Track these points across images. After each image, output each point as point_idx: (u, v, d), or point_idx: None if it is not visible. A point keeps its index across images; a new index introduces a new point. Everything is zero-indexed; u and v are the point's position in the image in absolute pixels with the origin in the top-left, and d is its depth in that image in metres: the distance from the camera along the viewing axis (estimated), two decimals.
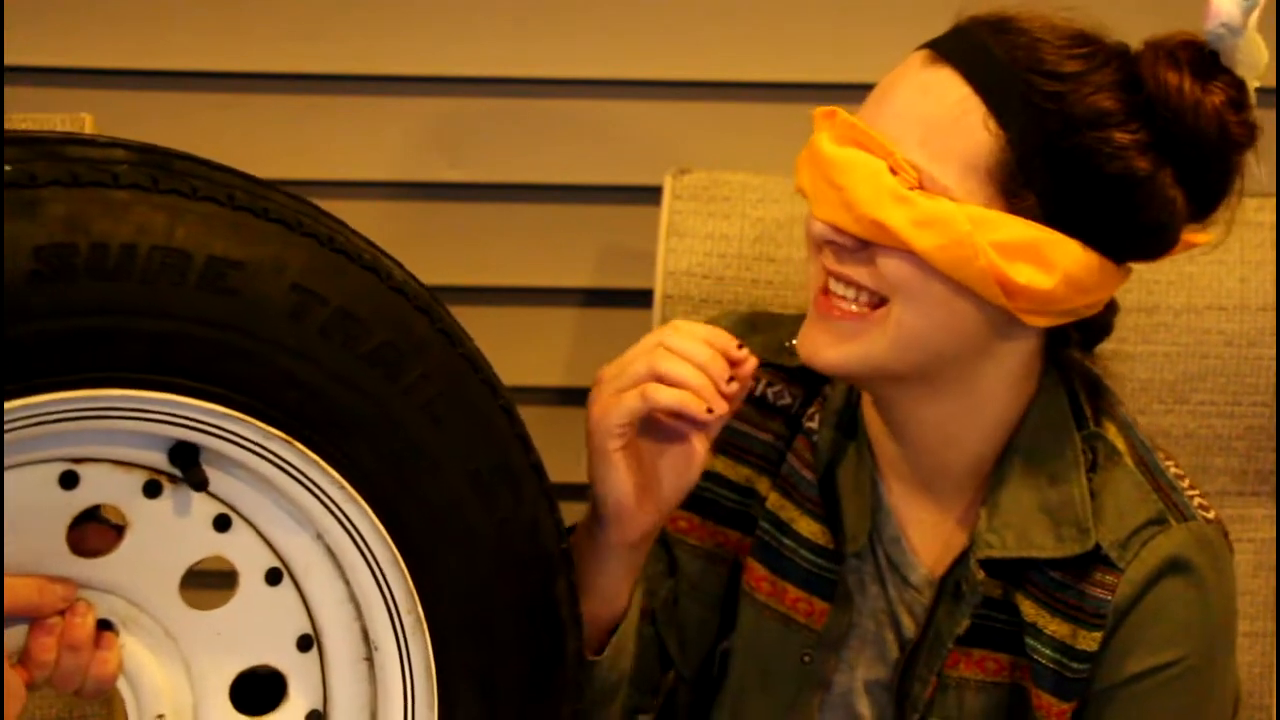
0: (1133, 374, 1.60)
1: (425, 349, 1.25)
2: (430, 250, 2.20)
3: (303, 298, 1.19)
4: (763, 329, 1.66)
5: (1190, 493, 1.54)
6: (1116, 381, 1.61)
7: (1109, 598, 1.49)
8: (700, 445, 1.47)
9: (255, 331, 1.18)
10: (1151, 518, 1.51)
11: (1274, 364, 1.94)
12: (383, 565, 1.29)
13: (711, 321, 1.69)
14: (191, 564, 1.28)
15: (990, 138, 1.42)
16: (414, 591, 1.29)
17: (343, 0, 2.14)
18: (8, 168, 1.11)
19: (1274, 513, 1.98)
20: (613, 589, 1.51)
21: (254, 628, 1.31)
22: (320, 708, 1.34)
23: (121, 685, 1.29)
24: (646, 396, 1.42)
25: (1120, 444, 1.55)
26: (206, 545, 1.28)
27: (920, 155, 1.42)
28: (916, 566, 1.58)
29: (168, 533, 1.26)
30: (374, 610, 1.31)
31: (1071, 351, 1.58)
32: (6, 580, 1.20)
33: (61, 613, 1.23)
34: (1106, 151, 1.42)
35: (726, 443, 1.64)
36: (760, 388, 1.64)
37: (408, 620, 1.30)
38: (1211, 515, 1.54)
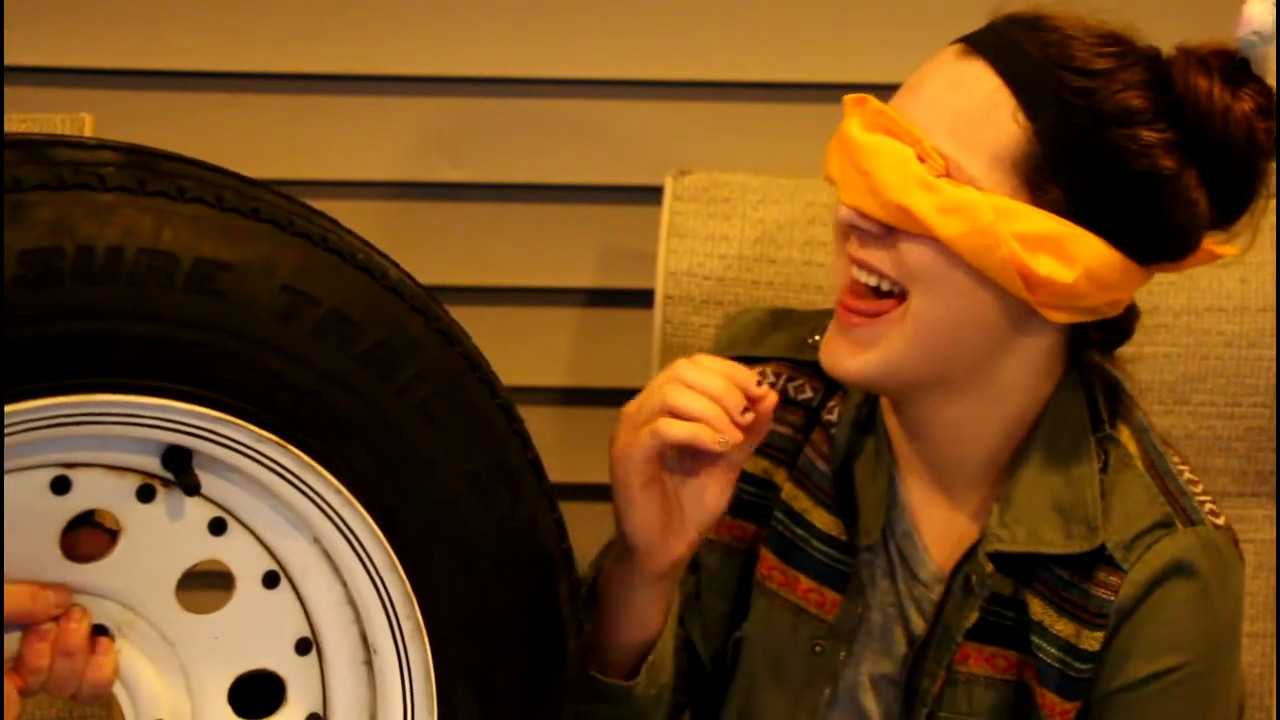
0: (1133, 375, 1.60)
1: (420, 349, 1.25)
2: (431, 250, 2.20)
3: (294, 299, 1.19)
4: (785, 325, 1.68)
5: (1201, 498, 1.54)
6: (1136, 384, 1.61)
7: (1112, 598, 1.49)
8: (724, 476, 1.48)
9: (245, 333, 1.18)
10: (1158, 521, 1.51)
11: (1274, 365, 1.94)
12: (380, 568, 1.28)
13: (736, 317, 1.72)
14: (187, 568, 1.28)
15: (1019, 130, 1.43)
16: (412, 594, 1.29)
17: (343, 0, 2.14)
18: None
19: (1274, 513, 1.98)
20: (645, 614, 1.52)
21: (252, 631, 1.31)
22: (319, 711, 1.34)
23: (118, 691, 1.28)
24: (658, 432, 1.42)
25: (1133, 448, 1.55)
26: (202, 549, 1.27)
27: (949, 144, 1.44)
28: (927, 562, 1.59)
29: (162, 537, 1.26)
30: (372, 613, 1.30)
31: (1091, 354, 1.58)
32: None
33: (56, 619, 1.23)
34: (1133, 149, 1.43)
35: None
36: (780, 383, 1.65)
37: (406, 623, 1.30)
38: (1221, 521, 1.54)
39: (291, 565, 1.30)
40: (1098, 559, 1.50)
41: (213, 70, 2.15)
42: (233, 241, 1.17)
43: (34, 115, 1.95)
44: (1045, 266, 1.43)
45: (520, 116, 2.19)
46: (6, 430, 1.15)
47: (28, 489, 1.21)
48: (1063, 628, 1.51)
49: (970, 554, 1.55)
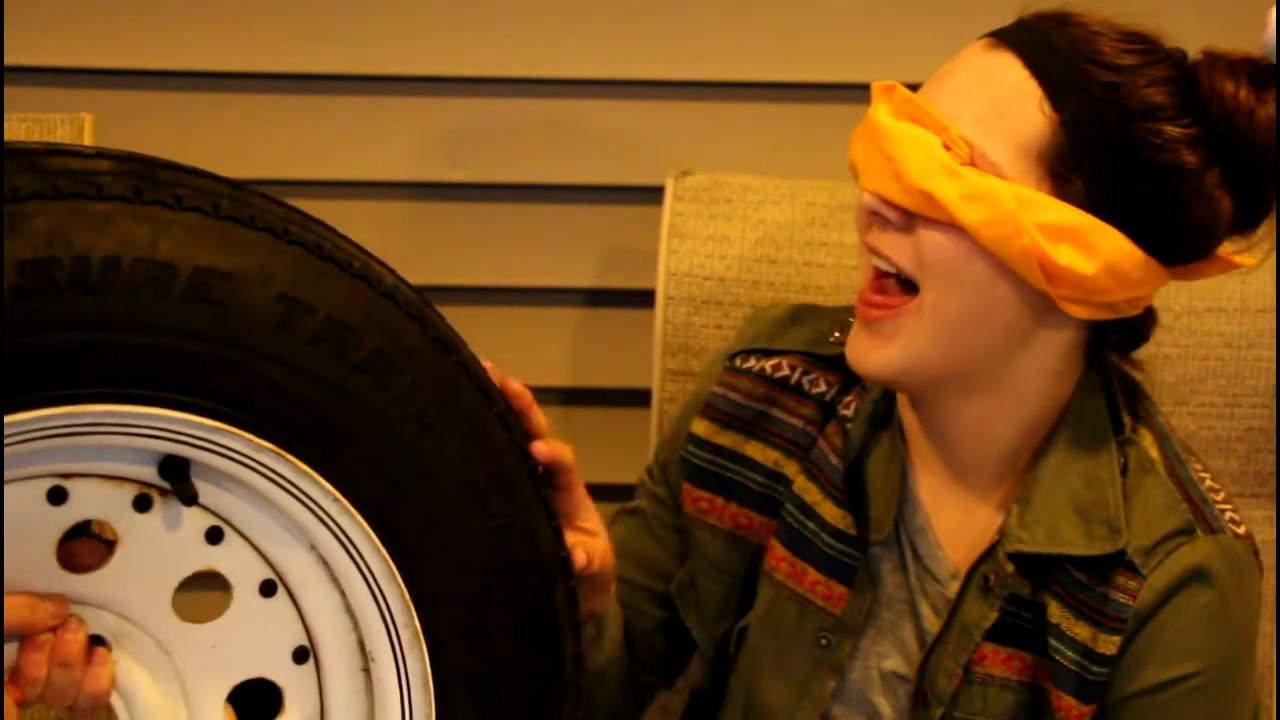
0: (1151, 377, 1.60)
1: (417, 357, 1.24)
2: (431, 250, 2.19)
3: (290, 307, 1.18)
4: (807, 320, 1.69)
5: (1222, 507, 1.54)
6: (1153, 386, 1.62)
7: (1130, 603, 1.50)
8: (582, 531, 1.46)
9: (242, 343, 1.17)
10: (1179, 527, 1.51)
11: (1274, 365, 1.94)
12: (377, 576, 1.28)
13: (762, 312, 1.74)
14: (184, 577, 1.27)
15: (1045, 121, 1.44)
16: (409, 602, 1.28)
17: (343, 0, 2.14)
18: None
19: (1274, 514, 1.98)
20: None
21: (249, 640, 1.31)
22: (317, 719, 1.34)
23: (115, 701, 1.28)
24: None
25: (1154, 453, 1.55)
26: (199, 558, 1.27)
27: (975, 132, 1.45)
28: (941, 559, 1.59)
29: (159, 547, 1.25)
30: (370, 621, 1.30)
31: (1110, 355, 1.58)
32: None
33: (53, 629, 1.23)
34: (1157, 143, 1.44)
35: (759, 427, 1.66)
36: (796, 376, 1.66)
37: (404, 631, 1.30)
38: (1242, 531, 1.54)
39: (289, 574, 1.30)
40: (1116, 563, 1.50)
41: (213, 70, 2.15)
42: (229, 250, 1.16)
43: (34, 115, 1.95)
44: (1066, 257, 1.43)
45: (520, 116, 2.18)
46: (3, 441, 1.14)
47: (24, 499, 1.21)
48: (1080, 631, 1.51)
49: (988, 553, 1.55)
